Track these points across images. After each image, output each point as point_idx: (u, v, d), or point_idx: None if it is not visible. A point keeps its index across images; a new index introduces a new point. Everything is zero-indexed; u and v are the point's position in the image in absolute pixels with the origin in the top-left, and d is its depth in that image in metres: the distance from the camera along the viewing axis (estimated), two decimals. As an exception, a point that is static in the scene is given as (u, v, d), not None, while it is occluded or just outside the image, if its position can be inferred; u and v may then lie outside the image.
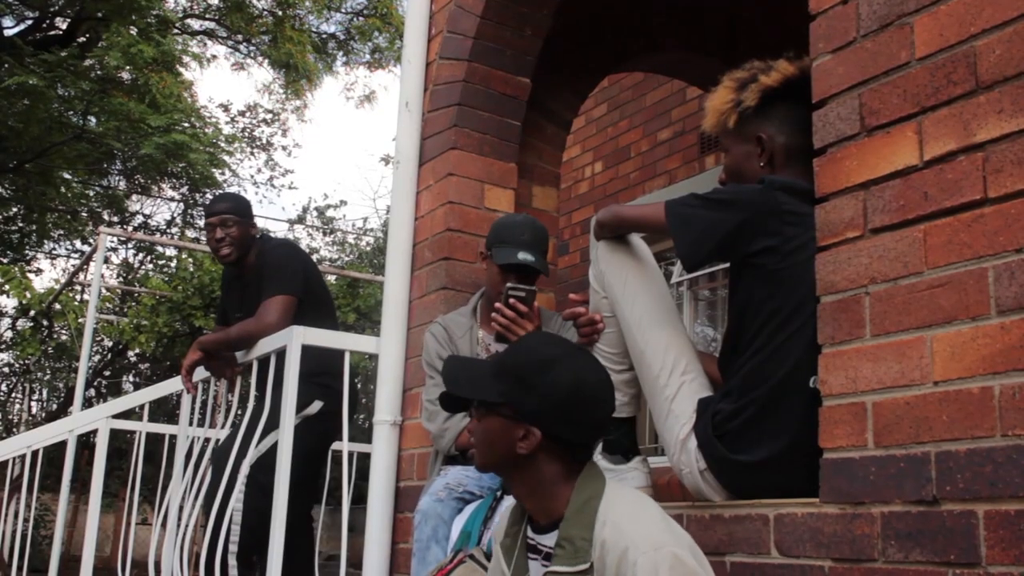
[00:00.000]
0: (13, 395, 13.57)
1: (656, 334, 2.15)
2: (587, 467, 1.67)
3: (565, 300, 2.51)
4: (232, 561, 3.08)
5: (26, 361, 11.35)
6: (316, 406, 3.43)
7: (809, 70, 1.93)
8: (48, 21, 12.11)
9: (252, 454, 3.15)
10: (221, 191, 12.89)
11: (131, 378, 12.68)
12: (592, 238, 2.39)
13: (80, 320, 8.43)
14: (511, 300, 2.46)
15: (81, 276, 9.36)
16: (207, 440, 3.37)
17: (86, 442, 7.20)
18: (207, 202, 14.40)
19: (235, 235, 3.59)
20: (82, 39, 11.82)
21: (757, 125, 2.19)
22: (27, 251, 14.03)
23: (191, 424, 3.51)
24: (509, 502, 2.17)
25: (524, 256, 2.63)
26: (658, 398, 2.15)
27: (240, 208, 3.64)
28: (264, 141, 16.00)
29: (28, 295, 8.62)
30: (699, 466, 2.03)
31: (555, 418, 1.63)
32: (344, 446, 3.04)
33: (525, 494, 1.69)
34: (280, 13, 12.84)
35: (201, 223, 15.29)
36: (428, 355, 2.79)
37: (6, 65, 9.71)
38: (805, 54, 1.97)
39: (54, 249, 15.15)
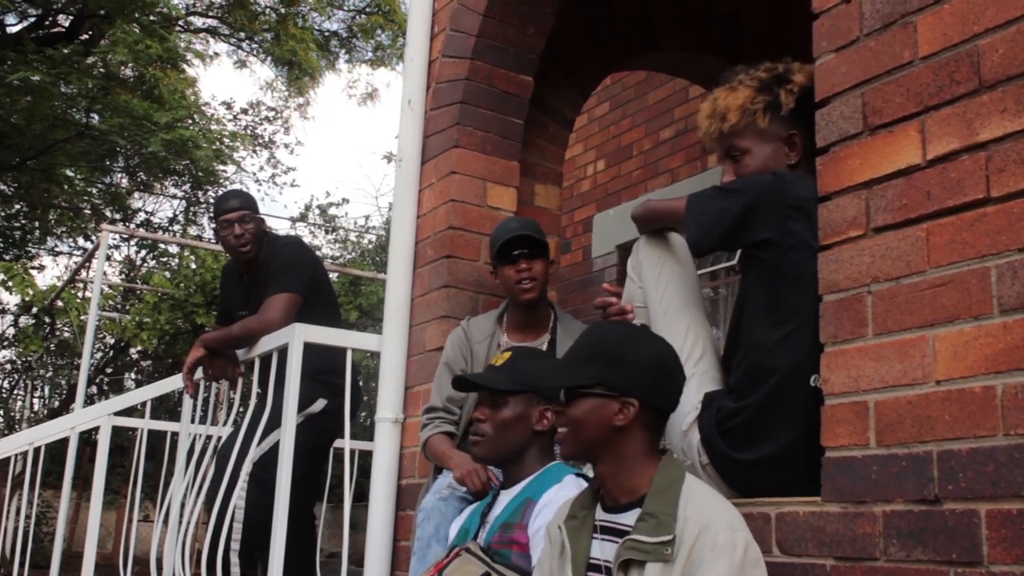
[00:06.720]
0: (15, 392, 13.58)
1: (680, 319, 2.18)
2: (667, 455, 1.80)
3: (568, 299, 2.51)
4: (234, 559, 3.08)
5: (28, 358, 11.37)
6: (320, 404, 3.44)
7: None
8: (51, 18, 12.10)
9: (255, 452, 3.15)
10: (226, 189, 12.89)
11: (133, 375, 12.68)
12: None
13: (82, 317, 8.45)
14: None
15: (83, 273, 9.37)
16: (209, 437, 3.37)
17: (88, 439, 7.21)
18: (212, 200, 14.42)
19: (252, 231, 3.62)
20: (85, 36, 11.82)
21: (791, 124, 2.18)
22: (30, 248, 14.05)
23: (193, 421, 3.52)
24: (516, 496, 2.18)
25: (513, 231, 2.72)
26: None
27: (253, 204, 3.68)
28: (266, 139, 16.00)
29: (31, 292, 8.63)
30: (701, 460, 2.04)
31: (647, 386, 1.76)
32: (346, 444, 3.05)
33: (612, 472, 1.76)
34: (283, 10, 12.84)
35: (203, 220, 15.32)
36: (444, 357, 2.83)
37: (9, 62, 9.70)
38: (807, 56, 1.97)
39: (56, 246, 15.18)
